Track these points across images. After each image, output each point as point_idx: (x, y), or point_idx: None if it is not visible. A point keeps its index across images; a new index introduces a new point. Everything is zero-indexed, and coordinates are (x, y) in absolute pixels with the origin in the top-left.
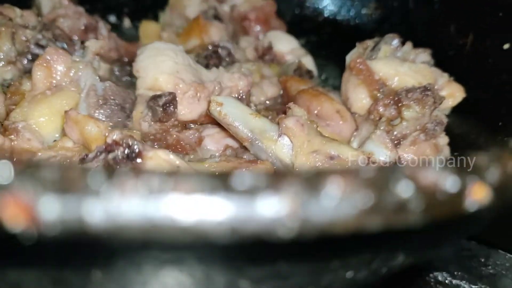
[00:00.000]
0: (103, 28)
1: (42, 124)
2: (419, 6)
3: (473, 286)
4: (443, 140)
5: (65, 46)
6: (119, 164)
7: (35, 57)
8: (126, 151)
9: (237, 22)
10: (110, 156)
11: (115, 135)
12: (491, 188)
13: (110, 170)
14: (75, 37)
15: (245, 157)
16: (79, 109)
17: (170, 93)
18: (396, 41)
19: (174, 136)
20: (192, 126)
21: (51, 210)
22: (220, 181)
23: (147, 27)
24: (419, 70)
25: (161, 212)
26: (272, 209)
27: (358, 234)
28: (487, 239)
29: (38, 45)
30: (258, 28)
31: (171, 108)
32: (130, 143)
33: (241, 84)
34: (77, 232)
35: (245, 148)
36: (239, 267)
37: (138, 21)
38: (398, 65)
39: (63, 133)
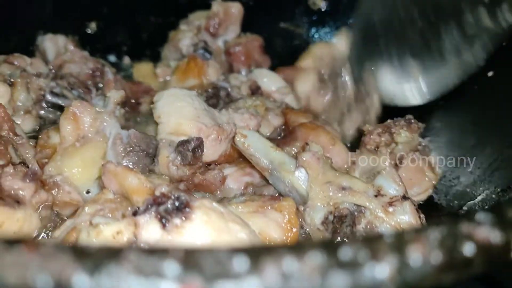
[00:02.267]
0: (109, 72)
1: (76, 175)
2: None
3: None
4: (434, 159)
5: (82, 94)
6: (171, 215)
7: (49, 105)
8: (176, 203)
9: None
10: (161, 208)
11: (163, 188)
12: None
13: (251, 252)
14: (88, 82)
15: (265, 192)
16: (107, 157)
17: (197, 138)
18: None
19: (201, 177)
20: (213, 166)
21: None
22: (332, 257)
23: (141, 68)
24: None
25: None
26: (377, 276)
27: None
28: None
29: (52, 93)
30: (241, 63)
31: (199, 152)
32: (178, 195)
33: (251, 123)
34: None
35: (264, 180)
36: None
37: (137, 58)
38: None
39: (101, 184)
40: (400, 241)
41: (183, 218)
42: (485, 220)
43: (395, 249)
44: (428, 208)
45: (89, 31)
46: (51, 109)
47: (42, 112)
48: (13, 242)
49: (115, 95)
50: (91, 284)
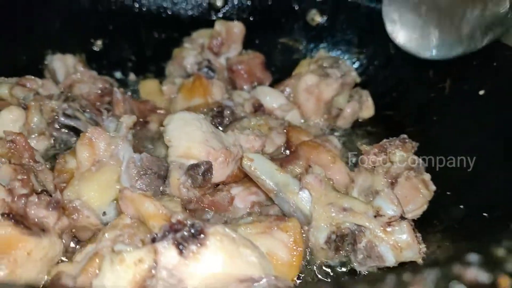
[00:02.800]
0: (117, 92)
1: (93, 199)
2: (399, 52)
3: None
4: (427, 176)
5: (93, 116)
6: (187, 242)
7: (62, 126)
8: (192, 230)
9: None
10: (178, 235)
11: (179, 216)
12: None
13: None
14: (98, 103)
15: (271, 212)
16: (121, 180)
17: (207, 162)
18: None
19: (210, 199)
20: (220, 186)
21: None
22: None
23: (146, 85)
24: None
25: None
26: None
27: None
28: None
29: (65, 115)
30: (244, 80)
31: (209, 175)
32: (193, 222)
33: (256, 144)
34: None
35: (270, 200)
36: None
37: (142, 74)
38: None
39: (118, 209)
40: (401, 283)
41: (199, 244)
42: (474, 261)
43: None
44: (424, 224)
45: (95, 48)
46: (63, 130)
47: (55, 133)
48: None
49: (128, 120)
50: None
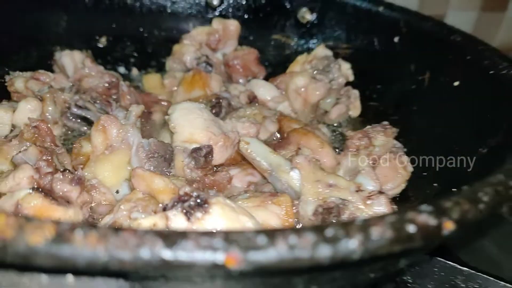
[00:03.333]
0: (123, 85)
1: (107, 178)
2: (383, 48)
3: None
4: (406, 158)
5: (103, 106)
6: (193, 210)
7: (74, 116)
8: (197, 200)
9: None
10: (185, 204)
11: (186, 189)
12: (454, 222)
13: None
14: (104, 96)
15: (265, 190)
16: (131, 162)
17: (208, 146)
18: None
19: (211, 178)
20: (219, 168)
21: None
22: (320, 235)
23: (149, 79)
24: None
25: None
26: (349, 246)
27: (388, 254)
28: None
29: (76, 105)
30: (239, 74)
31: (210, 157)
32: (198, 194)
33: (252, 131)
34: None
35: (264, 179)
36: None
37: (144, 69)
38: None
39: (131, 185)
40: (366, 224)
41: (204, 212)
42: (425, 209)
43: (362, 229)
44: (402, 201)
45: (100, 45)
46: (75, 120)
47: (67, 122)
48: (120, 229)
49: (136, 109)
50: (171, 254)
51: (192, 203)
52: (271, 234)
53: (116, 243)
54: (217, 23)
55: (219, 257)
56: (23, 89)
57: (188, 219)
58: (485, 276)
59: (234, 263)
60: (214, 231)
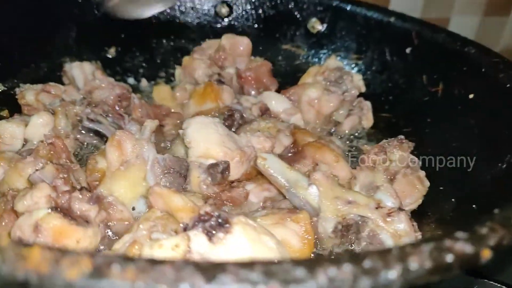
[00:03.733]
0: (135, 97)
1: (123, 195)
2: (394, 59)
3: None
4: (422, 173)
5: (115, 119)
6: (215, 230)
7: (86, 129)
8: (219, 220)
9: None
10: (207, 224)
11: (207, 208)
12: (491, 250)
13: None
14: (118, 109)
15: (283, 206)
16: (147, 178)
17: (225, 162)
18: None
19: (228, 194)
20: (235, 183)
21: None
22: (359, 266)
23: (160, 91)
24: None
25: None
26: (389, 277)
27: (425, 284)
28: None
29: (88, 119)
30: (251, 86)
31: (227, 173)
32: (219, 213)
33: (266, 145)
34: None
35: (281, 194)
36: None
37: (153, 79)
38: None
39: (148, 203)
40: (403, 253)
41: (225, 232)
42: (462, 237)
43: (400, 260)
44: (419, 216)
45: (109, 55)
46: (86, 133)
47: (79, 136)
48: (157, 262)
49: (151, 124)
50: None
51: (213, 223)
52: (311, 265)
53: (154, 277)
54: (225, 40)
55: None
56: (33, 102)
57: (210, 239)
58: (502, 286)
59: None
60: (253, 262)
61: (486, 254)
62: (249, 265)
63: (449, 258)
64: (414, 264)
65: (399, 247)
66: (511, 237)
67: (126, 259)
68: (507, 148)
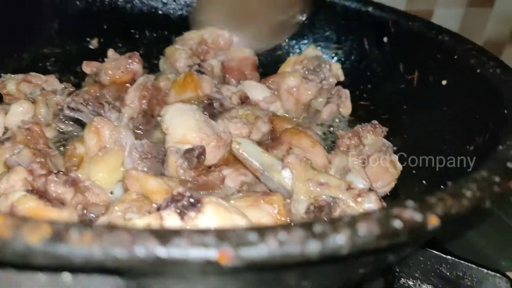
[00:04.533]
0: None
1: (101, 180)
2: (373, 48)
3: None
4: (395, 157)
5: (95, 108)
6: (187, 209)
7: (67, 118)
8: (191, 199)
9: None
10: (179, 204)
11: (179, 189)
12: (439, 217)
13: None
14: (98, 95)
15: (258, 189)
16: (125, 164)
17: (201, 147)
18: None
19: (204, 178)
20: (212, 168)
21: None
22: (309, 230)
23: None
24: None
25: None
26: (337, 242)
27: (375, 249)
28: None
29: (69, 108)
30: (233, 76)
31: (202, 157)
32: (191, 194)
33: (243, 131)
34: None
35: (256, 178)
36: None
37: None
38: None
39: (124, 186)
40: (353, 220)
41: (197, 211)
42: (410, 205)
43: (349, 225)
44: (392, 199)
45: (91, 46)
46: (67, 122)
47: (60, 124)
48: (114, 228)
49: (129, 111)
50: (165, 252)
51: (185, 202)
52: (262, 231)
53: (110, 241)
54: (207, 34)
55: (212, 253)
56: (14, 91)
57: (182, 218)
58: (468, 264)
59: (226, 260)
60: (207, 229)
61: (434, 222)
62: (204, 231)
63: (397, 224)
64: (362, 229)
65: (351, 216)
66: (459, 207)
67: (84, 225)
68: (477, 130)
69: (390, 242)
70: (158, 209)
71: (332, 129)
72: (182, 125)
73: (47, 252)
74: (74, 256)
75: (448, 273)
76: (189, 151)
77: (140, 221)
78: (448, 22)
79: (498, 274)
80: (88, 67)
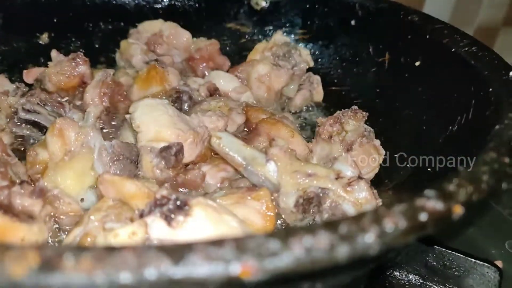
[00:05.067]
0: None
1: (70, 187)
2: (340, 32)
3: (441, 287)
4: (377, 142)
5: (55, 108)
6: (174, 213)
7: (22, 121)
8: (177, 202)
9: (186, 62)
10: (164, 208)
11: (163, 191)
12: (462, 205)
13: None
14: (59, 98)
15: (241, 185)
16: (95, 168)
17: (178, 144)
18: None
19: (183, 177)
20: (190, 166)
21: None
22: (335, 232)
23: None
24: None
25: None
26: (366, 241)
27: (403, 245)
28: (450, 246)
29: (24, 109)
30: (203, 66)
31: (181, 155)
32: (177, 196)
33: (219, 125)
34: None
35: (238, 174)
36: None
37: (93, 66)
38: None
39: (98, 193)
40: (377, 215)
41: (185, 214)
42: (432, 195)
43: (375, 222)
44: (377, 184)
45: (41, 42)
46: (23, 125)
47: (15, 128)
48: (115, 249)
49: (95, 110)
50: (179, 272)
51: (171, 206)
52: (284, 237)
53: (115, 264)
54: (166, 26)
55: (234, 268)
56: None
57: (169, 223)
58: (455, 253)
59: (249, 274)
60: (222, 240)
61: (458, 210)
62: (218, 242)
63: (423, 216)
64: (389, 225)
65: (372, 211)
66: (480, 192)
67: (79, 249)
68: (457, 110)
69: (417, 236)
70: (141, 215)
71: (305, 116)
72: (155, 122)
73: (37, 285)
74: (71, 286)
75: (434, 263)
76: (166, 149)
77: (123, 231)
78: (440, 8)
79: (486, 264)
80: (29, 76)
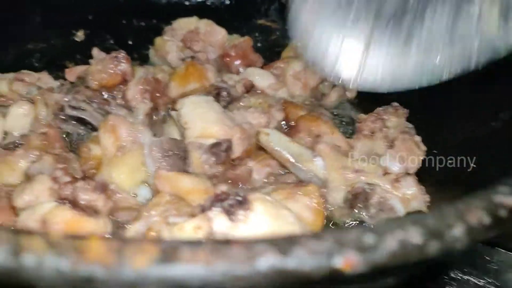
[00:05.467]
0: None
1: (124, 182)
2: None
3: (480, 281)
4: (418, 138)
5: (100, 105)
6: (235, 208)
7: (68, 117)
8: (237, 198)
9: (220, 59)
10: (225, 203)
11: (223, 187)
12: None
13: None
14: (105, 95)
15: (288, 180)
16: (146, 164)
17: (228, 140)
18: None
19: (233, 172)
20: (237, 161)
21: None
22: (425, 228)
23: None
24: None
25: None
26: (455, 235)
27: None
28: (491, 241)
29: (70, 106)
30: (238, 62)
31: (230, 151)
32: (237, 191)
33: (262, 121)
34: None
35: (282, 169)
36: None
37: None
38: None
39: (154, 188)
40: (459, 211)
41: (246, 209)
42: (508, 191)
43: (459, 217)
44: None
45: (77, 39)
46: (69, 121)
47: (62, 124)
48: (226, 242)
49: (144, 106)
50: (287, 263)
51: (232, 201)
52: (377, 230)
53: (230, 257)
54: (202, 24)
55: (337, 261)
56: (7, 92)
57: (231, 218)
58: (496, 248)
59: (351, 266)
60: (320, 234)
61: None
62: (317, 236)
63: (503, 212)
64: (473, 220)
65: (451, 207)
66: None
67: (193, 242)
68: (500, 106)
69: (498, 232)
70: (203, 210)
71: (340, 112)
72: (202, 118)
73: (160, 275)
74: (191, 277)
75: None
76: (216, 145)
77: (188, 225)
78: None
79: None
80: (71, 74)
